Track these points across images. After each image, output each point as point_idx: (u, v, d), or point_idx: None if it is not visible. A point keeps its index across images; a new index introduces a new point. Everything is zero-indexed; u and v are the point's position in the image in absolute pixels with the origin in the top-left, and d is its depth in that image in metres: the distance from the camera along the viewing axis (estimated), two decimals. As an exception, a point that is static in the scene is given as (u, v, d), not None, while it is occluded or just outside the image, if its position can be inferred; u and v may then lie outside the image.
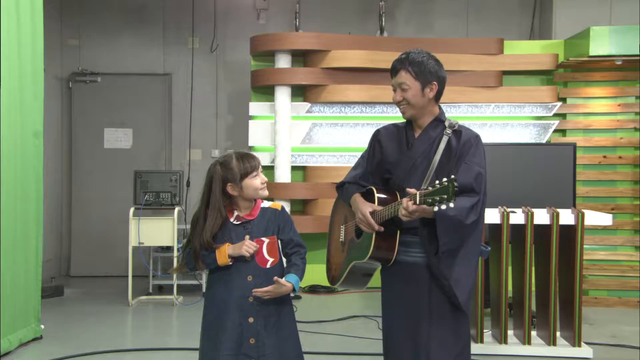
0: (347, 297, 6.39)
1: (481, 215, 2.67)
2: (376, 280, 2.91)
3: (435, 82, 2.74)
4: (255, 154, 2.90)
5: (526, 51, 6.82)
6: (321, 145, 6.80)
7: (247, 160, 2.77)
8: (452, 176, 2.41)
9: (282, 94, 6.67)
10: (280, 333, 2.78)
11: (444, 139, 2.72)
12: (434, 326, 2.69)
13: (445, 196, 2.40)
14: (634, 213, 6.52)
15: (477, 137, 2.75)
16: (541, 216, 4.49)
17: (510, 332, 4.68)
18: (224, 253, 2.73)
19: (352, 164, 3.06)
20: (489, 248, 2.90)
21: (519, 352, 4.55)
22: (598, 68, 6.56)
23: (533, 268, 4.61)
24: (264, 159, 6.60)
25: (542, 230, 4.54)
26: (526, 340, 4.55)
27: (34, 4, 4.75)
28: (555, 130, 6.72)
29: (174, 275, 6.13)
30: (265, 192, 2.81)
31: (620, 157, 6.57)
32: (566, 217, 4.48)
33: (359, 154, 3.02)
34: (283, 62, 6.68)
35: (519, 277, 4.60)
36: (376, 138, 2.91)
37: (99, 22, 7.66)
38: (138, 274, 6.45)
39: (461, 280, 2.65)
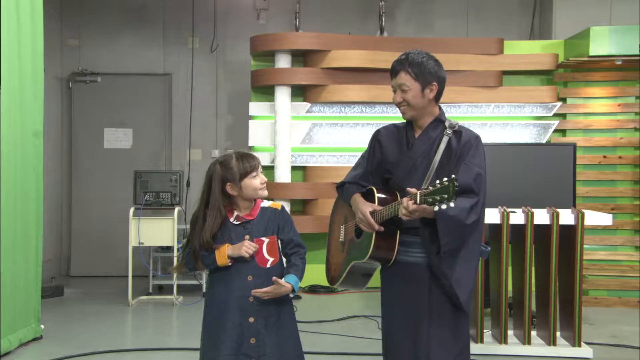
0: (347, 297, 6.39)
1: (481, 216, 2.67)
2: (376, 280, 2.91)
3: (435, 83, 2.74)
4: (255, 154, 2.89)
5: (526, 51, 6.82)
6: (321, 145, 6.80)
7: (246, 160, 2.76)
8: (453, 176, 2.41)
9: (282, 94, 6.67)
10: (281, 333, 2.77)
11: (444, 139, 2.72)
12: (433, 326, 2.69)
13: (446, 196, 2.40)
14: (634, 213, 6.52)
15: (477, 137, 2.75)
16: (541, 216, 4.49)
17: (510, 332, 4.68)
18: (224, 254, 2.72)
19: (352, 164, 3.06)
20: (489, 248, 2.90)
21: (519, 352, 4.55)
22: (598, 68, 6.56)
23: (533, 268, 4.61)
24: (264, 159, 6.60)
25: (542, 230, 4.54)
26: (526, 340, 4.55)
27: (34, 4, 4.75)
28: (555, 130, 6.72)
29: (174, 275, 6.13)
30: (265, 193, 2.80)
31: (620, 157, 6.57)
32: (566, 217, 4.48)
33: (359, 154, 3.02)
34: (283, 62, 6.68)
35: (519, 277, 4.60)
36: (376, 138, 2.91)
37: (99, 22, 7.66)
38: (138, 274, 6.45)
39: (462, 280, 2.65)
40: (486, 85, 6.80)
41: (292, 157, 6.77)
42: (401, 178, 2.78)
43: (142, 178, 6.18)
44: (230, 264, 2.74)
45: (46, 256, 6.19)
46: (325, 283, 6.16)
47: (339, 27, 7.22)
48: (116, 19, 7.68)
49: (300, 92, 6.87)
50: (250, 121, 6.87)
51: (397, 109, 2.80)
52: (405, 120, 2.85)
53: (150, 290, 6.44)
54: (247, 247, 2.72)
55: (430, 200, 2.44)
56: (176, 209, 6.12)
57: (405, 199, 2.55)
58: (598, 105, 6.66)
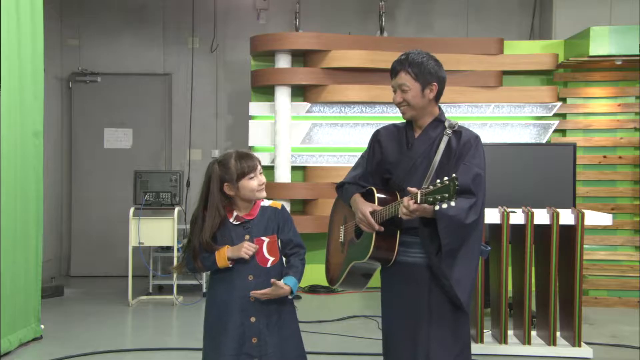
0: (347, 297, 6.39)
1: (481, 215, 2.67)
2: (376, 280, 2.91)
3: (435, 83, 2.74)
4: (255, 154, 2.88)
5: (526, 51, 6.82)
6: (321, 145, 6.80)
7: (244, 161, 2.74)
8: (454, 175, 2.41)
9: (282, 94, 6.67)
10: (282, 332, 2.77)
11: (444, 139, 2.72)
12: (433, 326, 2.69)
13: (447, 195, 2.40)
14: (634, 213, 6.52)
15: (477, 138, 2.75)
16: (541, 216, 4.49)
17: (510, 332, 4.68)
18: (224, 255, 2.72)
19: (352, 164, 3.06)
20: (489, 248, 2.90)
21: (519, 352, 4.55)
22: (598, 68, 6.56)
23: (533, 268, 4.61)
24: (264, 159, 6.60)
25: (542, 230, 4.54)
26: (526, 340, 4.55)
27: (34, 4, 4.75)
28: (555, 130, 6.72)
29: (174, 275, 6.13)
30: (262, 195, 2.78)
31: (620, 157, 6.57)
32: (566, 217, 4.48)
33: (359, 154, 3.01)
34: (283, 62, 6.68)
35: (519, 277, 4.59)
36: (376, 138, 2.91)
37: (99, 22, 7.66)
38: (138, 274, 6.45)
39: (462, 280, 2.65)
40: (486, 85, 6.80)
41: (292, 157, 6.77)
42: (401, 178, 2.78)
43: (142, 178, 6.18)
44: (230, 265, 2.73)
45: (46, 256, 6.19)
46: (325, 283, 6.16)
47: (339, 27, 7.22)
48: (116, 19, 7.68)
49: (300, 92, 6.87)
50: (250, 121, 6.87)
51: (397, 109, 2.80)
52: (405, 120, 2.85)
53: (150, 290, 6.44)
54: (246, 249, 2.71)
55: (431, 199, 2.44)
56: (176, 209, 6.12)
57: (405, 199, 2.55)
58: (598, 105, 6.66)
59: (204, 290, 6.31)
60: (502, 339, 4.57)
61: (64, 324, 5.34)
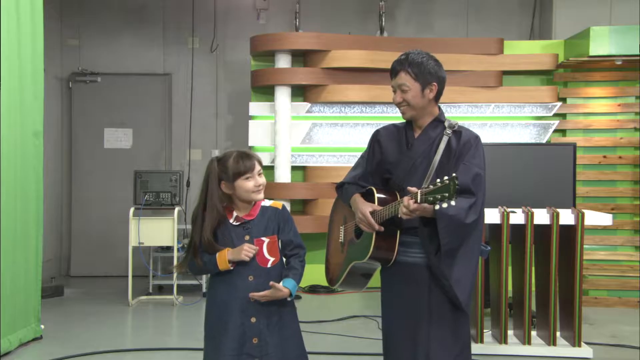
0: (347, 297, 6.39)
1: (481, 215, 2.67)
2: (376, 280, 2.91)
3: (435, 83, 2.74)
4: (255, 154, 2.87)
5: (526, 51, 6.82)
6: (321, 145, 6.80)
7: (242, 161, 2.73)
8: (454, 174, 2.41)
9: (282, 94, 6.67)
10: (283, 332, 2.77)
11: (444, 139, 2.72)
12: (433, 326, 2.69)
13: (447, 194, 2.40)
14: (634, 213, 6.52)
15: (476, 137, 2.75)
16: (541, 216, 4.49)
17: (510, 332, 4.68)
18: (224, 258, 2.71)
19: (352, 164, 3.06)
20: (489, 248, 2.90)
21: (519, 352, 4.55)
22: (598, 68, 6.56)
23: (533, 268, 4.61)
24: (264, 159, 6.59)
25: (542, 230, 4.54)
26: (526, 340, 4.55)
27: (34, 4, 4.75)
28: (555, 130, 6.72)
29: (174, 275, 6.13)
30: (259, 196, 2.76)
31: (620, 157, 6.57)
32: (566, 217, 4.48)
33: (359, 154, 3.01)
34: (283, 62, 6.68)
35: (519, 277, 4.59)
36: (376, 138, 2.91)
37: (99, 22, 7.66)
38: (138, 274, 6.45)
39: (462, 280, 2.65)
40: (486, 85, 6.80)
41: (292, 157, 6.77)
42: (401, 178, 2.78)
43: (142, 178, 6.18)
44: (231, 268, 2.73)
45: (46, 256, 6.19)
46: (325, 283, 6.16)
47: (339, 27, 7.22)
48: (116, 19, 7.68)
49: (300, 92, 6.87)
50: (250, 121, 6.87)
51: (397, 109, 2.80)
52: (405, 120, 2.85)
53: (150, 290, 6.44)
54: (246, 251, 2.71)
55: (431, 199, 2.44)
56: (176, 209, 6.12)
57: (405, 198, 2.55)
58: (598, 105, 6.66)
59: (204, 290, 6.31)
60: (502, 339, 4.57)
61: (64, 324, 5.34)
